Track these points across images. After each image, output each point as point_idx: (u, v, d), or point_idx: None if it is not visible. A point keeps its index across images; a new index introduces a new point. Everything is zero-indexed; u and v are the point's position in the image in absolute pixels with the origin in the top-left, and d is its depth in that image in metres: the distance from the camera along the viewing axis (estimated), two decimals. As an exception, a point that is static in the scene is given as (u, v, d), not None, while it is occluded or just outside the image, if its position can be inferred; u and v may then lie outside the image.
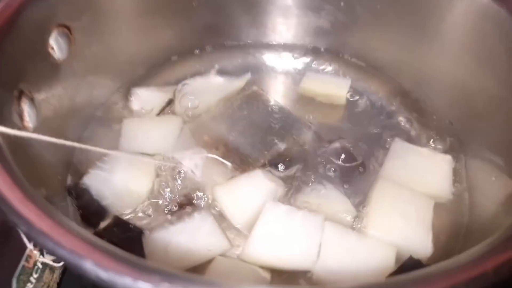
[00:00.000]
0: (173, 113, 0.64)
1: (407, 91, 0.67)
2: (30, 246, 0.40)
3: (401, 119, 0.65)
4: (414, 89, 0.67)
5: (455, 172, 0.57)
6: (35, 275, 0.42)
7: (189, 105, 0.64)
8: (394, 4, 0.61)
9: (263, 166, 0.57)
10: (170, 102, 0.65)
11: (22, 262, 0.41)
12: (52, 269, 0.45)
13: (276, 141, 0.60)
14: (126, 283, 0.26)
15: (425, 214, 0.52)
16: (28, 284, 0.41)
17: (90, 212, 0.53)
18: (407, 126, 0.64)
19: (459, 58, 0.57)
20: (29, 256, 0.41)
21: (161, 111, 0.65)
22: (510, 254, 0.26)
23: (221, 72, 0.69)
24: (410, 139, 0.61)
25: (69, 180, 0.56)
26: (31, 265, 0.42)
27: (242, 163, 0.58)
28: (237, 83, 0.68)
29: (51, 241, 0.28)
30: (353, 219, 0.52)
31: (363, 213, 0.53)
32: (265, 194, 0.53)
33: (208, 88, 0.67)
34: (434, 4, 0.57)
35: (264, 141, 0.60)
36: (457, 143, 0.60)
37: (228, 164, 0.57)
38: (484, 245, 0.28)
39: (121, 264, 0.27)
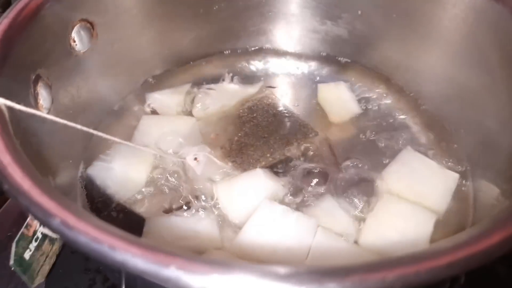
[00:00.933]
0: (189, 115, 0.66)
1: (420, 103, 0.66)
2: (30, 215, 0.42)
3: (412, 129, 0.63)
4: (428, 100, 0.65)
5: (461, 188, 0.55)
6: (34, 243, 0.45)
7: (204, 112, 0.65)
8: (409, 14, 0.60)
9: (264, 167, 0.58)
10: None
11: (22, 229, 0.44)
12: (51, 240, 0.48)
13: (281, 144, 0.61)
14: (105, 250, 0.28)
15: (425, 230, 0.50)
16: (27, 251, 0.44)
17: (96, 200, 0.55)
18: (419, 139, 0.62)
19: (471, 68, 0.55)
20: (29, 225, 0.44)
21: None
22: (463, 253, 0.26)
23: (237, 77, 0.70)
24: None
25: (81, 168, 0.59)
26: (30, 233, 0.44)
27: (243, 163, 0.58)
28: (251, 89, 0.69)
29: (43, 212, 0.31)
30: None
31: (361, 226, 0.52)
32: (264, 193, 0.53)
33: (223, 94, 0.68)
34: (449, 15, 0.55)
35: (268, 144, 0.61)
36: (468, 162, 0.58)
37: (229, 163, 0.58)
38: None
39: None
